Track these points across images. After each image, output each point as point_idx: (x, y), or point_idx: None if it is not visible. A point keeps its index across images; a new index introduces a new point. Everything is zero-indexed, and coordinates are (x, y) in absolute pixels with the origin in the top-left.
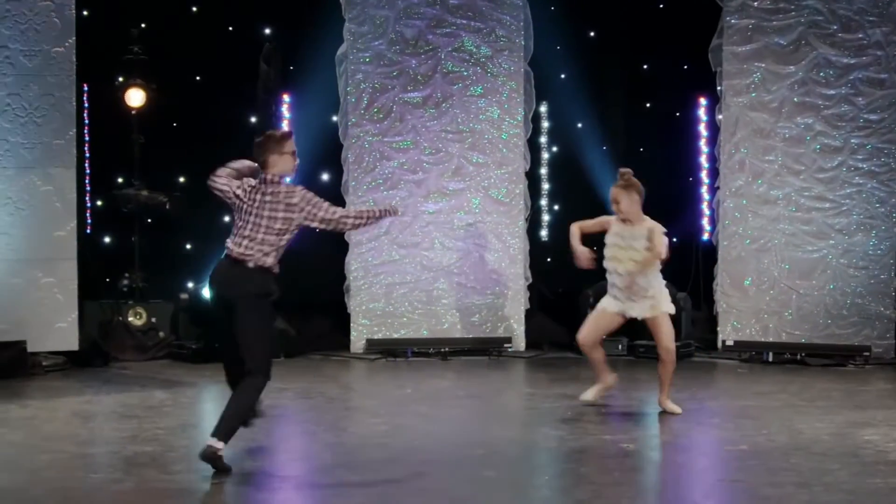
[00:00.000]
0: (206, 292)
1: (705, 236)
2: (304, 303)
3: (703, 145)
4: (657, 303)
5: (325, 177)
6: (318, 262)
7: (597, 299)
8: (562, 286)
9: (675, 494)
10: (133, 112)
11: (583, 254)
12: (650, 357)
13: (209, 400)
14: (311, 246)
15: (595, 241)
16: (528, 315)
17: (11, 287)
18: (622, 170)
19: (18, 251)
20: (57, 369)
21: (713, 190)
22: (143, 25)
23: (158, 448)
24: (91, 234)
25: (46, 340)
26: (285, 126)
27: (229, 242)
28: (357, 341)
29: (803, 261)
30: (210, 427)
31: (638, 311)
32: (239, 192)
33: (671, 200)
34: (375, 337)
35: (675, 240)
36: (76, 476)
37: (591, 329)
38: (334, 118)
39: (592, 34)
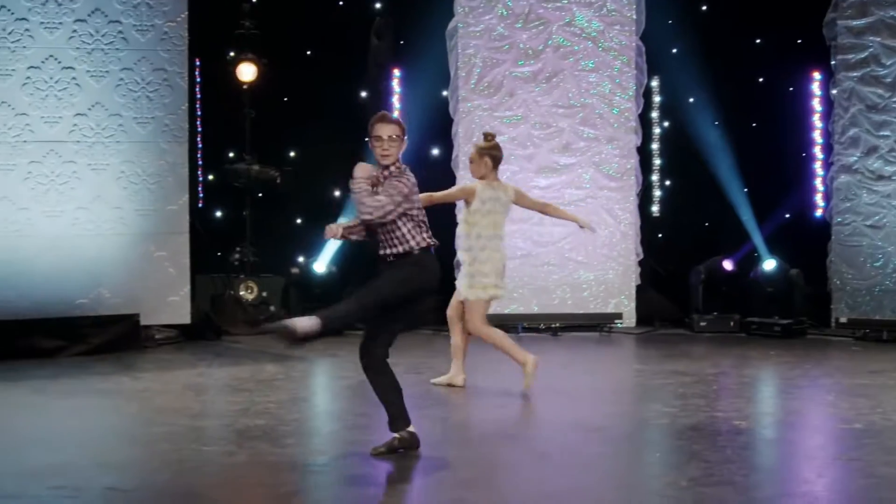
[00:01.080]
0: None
1: (818, 213)
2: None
3: (817, 120)
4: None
5: (434, 152)
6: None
7: (709, 275)
8: (673, 262)
9: (787, 472)
10: (244, 87)
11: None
12: (763, 334)
13: (320, 374)
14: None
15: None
16: (639, 291)
17: (124, 261)
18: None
19: (131, 225)
20: (169, 342)
21: (827, 166)
22: (254, 0)
23: (270, 421)
24: (203, 209)
25: (159, 314)
26: (396, 101)
27: (428, 235)
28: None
29: None
30: (322, 400)
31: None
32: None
33: (784, 176)
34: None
35: (787, 216)
36: (189, 448)
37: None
38: (444, 93)
39: (704, 7)
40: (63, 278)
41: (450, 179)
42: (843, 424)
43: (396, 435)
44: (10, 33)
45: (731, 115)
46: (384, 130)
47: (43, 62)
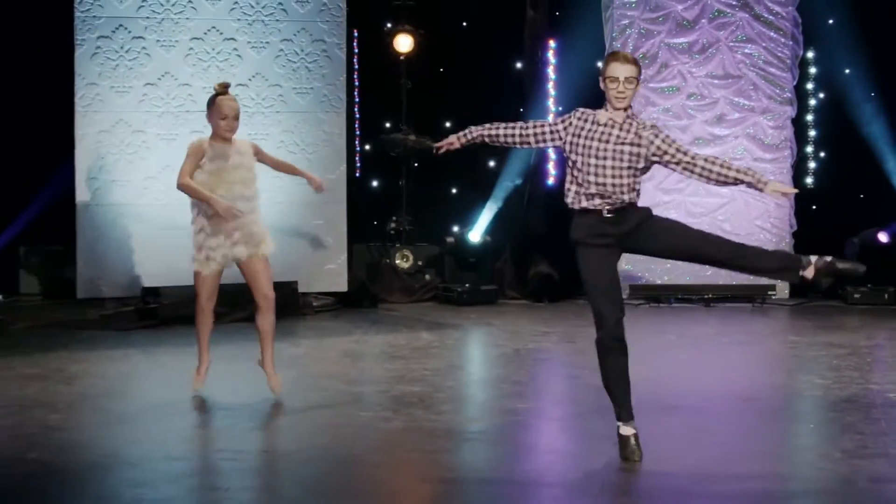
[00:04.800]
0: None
1: None
2: (568, 246)
3: None
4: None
5: None
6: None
7: (863, 247)
8: (827, 233)
9: None
10: (401, 57)
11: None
12: None
13: (474, 342)
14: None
15: None
16: None
17: (283, 229)
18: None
19: (290, 194)
20: (326, 310)
21: None
22: None
23: (425, 388)
24: (360, 178)
25: (317, 282)
26: (551, 71)
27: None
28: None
29: None
30: (476, 368)
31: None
32: None
33: None
34: (639, 283)
35: None
36: (347, 414)
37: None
38: (599, 64)
39: None
40: None
41: None
42: None
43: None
44: (173, 5)
45: (888, 87)
46: (620, 71)
47: (205, 33)
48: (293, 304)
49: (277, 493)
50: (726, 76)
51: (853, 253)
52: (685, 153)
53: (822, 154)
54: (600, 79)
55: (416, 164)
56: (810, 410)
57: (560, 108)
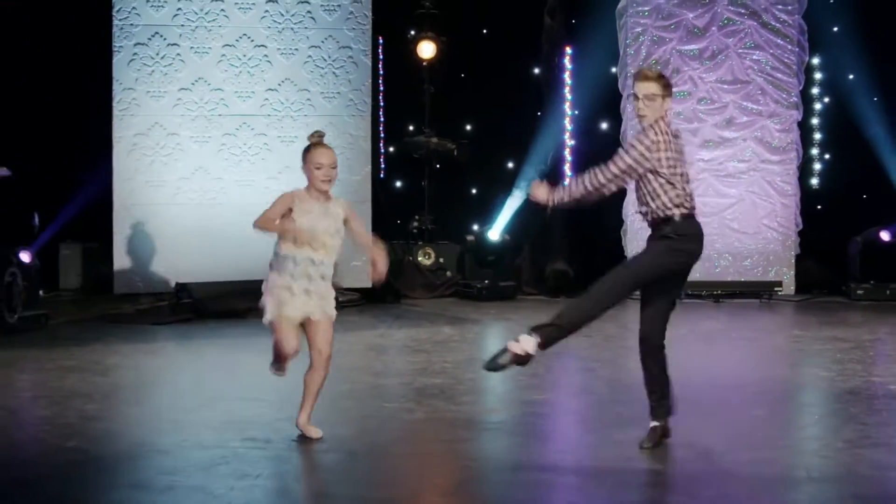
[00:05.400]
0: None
1: None
2: (583, 244)
3: None
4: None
5: (603, 125)
6: (597, 206)
7: (866, 246)
8: (831, 232)
9: None
10: (424, 63)
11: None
12: None
13: (494, 336)
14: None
15: None
16: (799, 260)
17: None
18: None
19: None
20: (352, 305)
21: None
22: None
23: (447, 380)
24: (384, 179)
25: (342, 278)
26: (567, 77)
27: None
28: None
29: None
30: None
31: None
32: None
33: None
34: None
35: None
36: (372, 405)
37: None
38: (613, 69)
39: None
40: (253, 244)
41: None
42: None
43: (657, 423)
44: (207, 13)
45: (892, 92)
46: (640, 89)
47: (237, 40)
48: None
49: (306, 480)
50: (735, 81)
51: (857, 251)
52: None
53: (827, 156)
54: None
55: (437, 166)
56: (815, 402)
57: (576, 112)
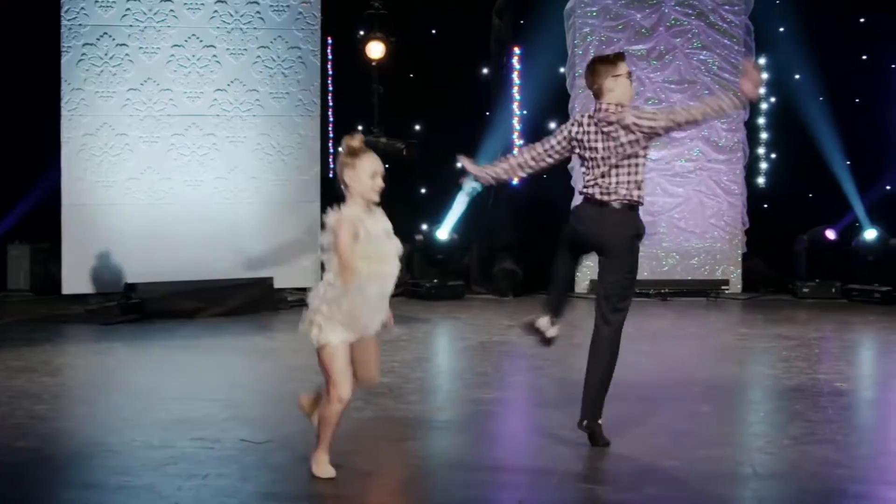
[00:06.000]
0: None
1: None
2: (531, 243)
3: None
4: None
5: (551, 125)
6: (544, 204)
7: (812, 244)
8: (777, 231)
9: (886, 432)
10: (373, 64)
11: None
12: (863, 300)
13: (442, 335)
14: (535, 187)
15: None
16: (745, 258)
17: (260, 227)
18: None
19: (266, 194)
20: (301, 304)
21: None
22: None
23: (395, 379)
24: (333, 179)
25: (291, 277)
26: (515, 77)
27: (587, 188)
28: (582, 281)
29: None
30: (443, 360)
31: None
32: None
33: (885, 150)
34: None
35: (888, 188)
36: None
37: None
38: (561, 70)
39: None
40: (202, 244)
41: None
42: None
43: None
44: (155, 14)
45: (836, 92)
46: (625, 70)
47: (186, 41)
48: (269, 299)
49: (252, 480)
50: (682, 81)
51: (802, 249)
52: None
53: (773, 155)
54: (612, 78)
55: (386, 166)
56: (761, 399)
57: (524, 112)
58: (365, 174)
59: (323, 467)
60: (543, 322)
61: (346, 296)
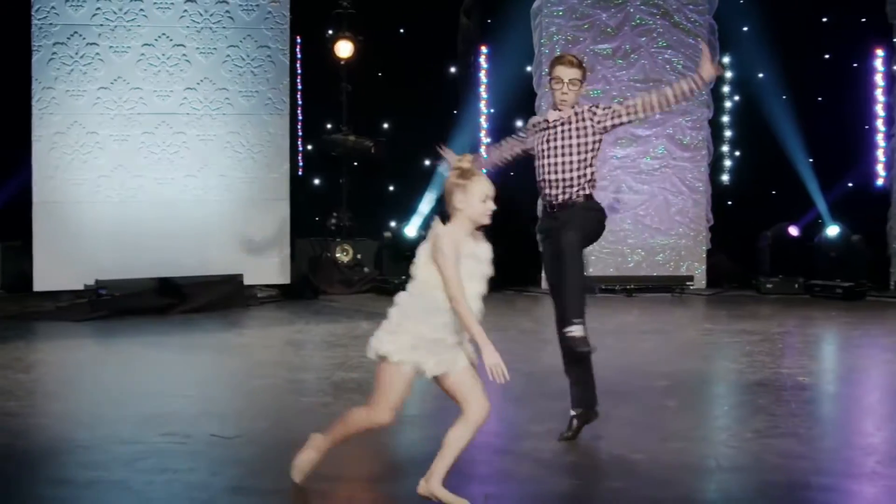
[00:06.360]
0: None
1: (879, 182)
2: (499, 237)
3: (879, 95)
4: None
5: (518, 123)
6: (510, 200)
7: (775, 240)
8: (741, 228)
9: (848, 425)
10: (342, 63)
11: None
12: (825, 296)
13: None
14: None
15: None
16: (709, 255)
17: (229, 224)
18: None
19: (236, 191)
20: (271, 301)
21: (888, 137)
22: None
23: (364, 375)
24: (302, 177)
25: (261, 274)
26: (483, 76)
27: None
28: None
29: None
30: None
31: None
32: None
33: (847, 147)
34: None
35: (850, 185)
36: (288, 399)
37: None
38: (528, 68)
39: None
40: (172, 241)
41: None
42: None
43: (575, 412)
44: (126, 13)
45: (799, 90)
46: (565, 74)
47: (156, 40)
48: (239, 295)
49: (222, 474)
50: (647, 80)
51: (766, 245)
52: (626, 109)
53: (737, 153)
54: (547, 80)
55: (355, 163)
56: (724, 393)
57: (492, 111)
58: (477, 198)
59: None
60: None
61: (439, 313)
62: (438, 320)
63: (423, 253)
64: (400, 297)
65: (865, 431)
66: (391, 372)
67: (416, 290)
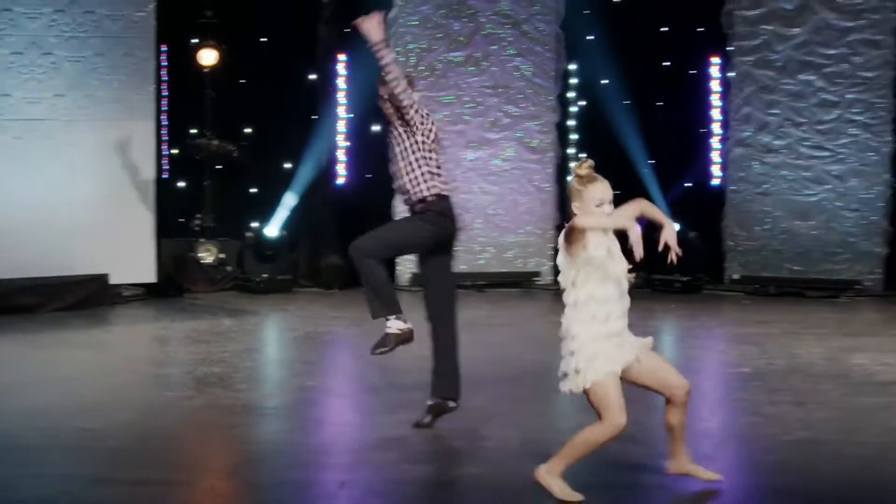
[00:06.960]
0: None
1: (715, 181)
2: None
3: (715, 100)
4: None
5: (375, 128)
6: (367, 201)
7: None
8: None
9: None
10: (206, 70)
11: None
12: (665, 290)
13: (271, 327)
14: (360, 185)
15: None
16: (556, 252)
17: (96, 225)
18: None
19: (104, 194)
20: (136, 299)
21: (723, 140)
22: None
23: (226, 369)
24: (167, 179)
25: (127, 273)
26: (341, 83)
27: (439, 182)
28: (403, 275)
29: (802, 203)
30: (272, 350)
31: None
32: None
33: (686, 149)
34: (417, 271)
35: (688, 185)
36: (153, 393)
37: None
38: None
39: None
40: (41, 242)
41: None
42: (733, 368)
43: (432, 401)
44: None
45: (640, 96)
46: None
47: (25, 49)
48: (105, 293)
49: (90, 466)
50: (497, 86)
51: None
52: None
53: (582, 155)
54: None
55: (218, 167)
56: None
57: (350, 116)
58: (591, 202)
59: (558, 483)
60: (399, 322)
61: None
62: (601, 314)
63: (560, 258)
64: (565, 318)
65: (701, 416)
66: (599, 389)
67: (570, 298)
